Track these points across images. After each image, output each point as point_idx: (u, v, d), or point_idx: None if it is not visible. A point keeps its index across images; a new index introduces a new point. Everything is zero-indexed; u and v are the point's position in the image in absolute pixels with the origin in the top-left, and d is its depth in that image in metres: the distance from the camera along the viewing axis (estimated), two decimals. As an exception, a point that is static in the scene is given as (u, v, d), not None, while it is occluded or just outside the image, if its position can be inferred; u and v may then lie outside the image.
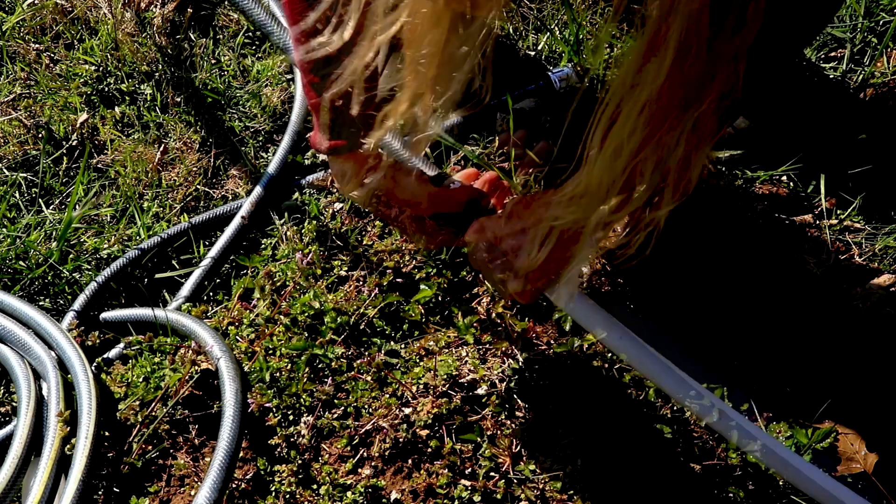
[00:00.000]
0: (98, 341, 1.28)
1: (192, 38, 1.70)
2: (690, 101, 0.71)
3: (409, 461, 1.09)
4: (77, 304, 1.32)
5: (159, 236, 1.40)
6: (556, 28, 1.56)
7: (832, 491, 0.93)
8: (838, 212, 1.33)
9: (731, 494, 1.08)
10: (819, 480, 0.94)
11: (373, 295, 1.21)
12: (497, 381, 1.12)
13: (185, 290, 1.35)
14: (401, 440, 1.09)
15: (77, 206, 1.44)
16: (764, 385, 1.16)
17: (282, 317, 1.22)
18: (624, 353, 0.99)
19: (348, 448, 1.11)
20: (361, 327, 1.20)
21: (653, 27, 0.68)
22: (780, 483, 1.08)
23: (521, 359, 1.13)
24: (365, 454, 1.10)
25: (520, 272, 0.95)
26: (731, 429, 0.96)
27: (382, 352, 1.18)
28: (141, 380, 1.18)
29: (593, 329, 1.01)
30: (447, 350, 1.16)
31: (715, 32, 0.66)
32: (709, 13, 0.65)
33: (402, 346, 1.19)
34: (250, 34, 1.69)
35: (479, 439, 1.09)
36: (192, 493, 1.09)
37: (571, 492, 1.06)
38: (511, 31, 1.57)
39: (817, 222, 1.32)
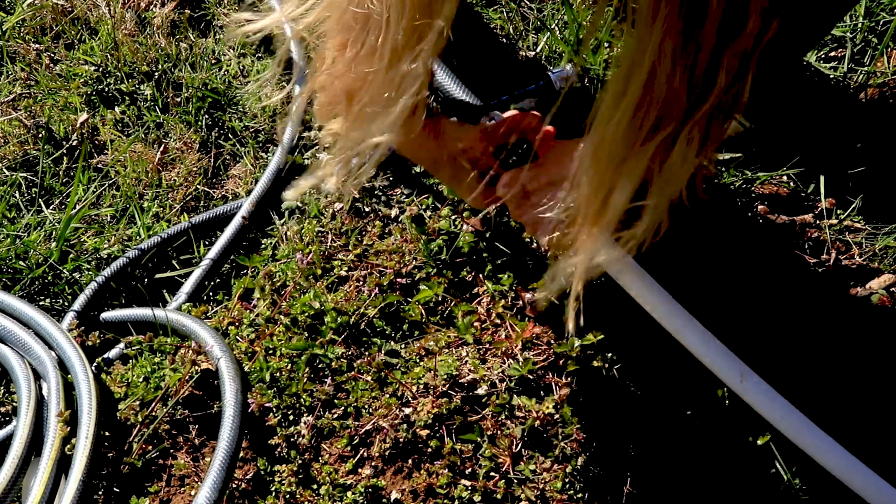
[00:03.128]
0: (98, 341, 1.28)
1: (192, 38, 1.70)
2: (669, 117, 0.71)
3: (410, 461, 1.09)
4: (77, 304, 1.32)
5: (159, 236, 1.40)
6: (556, 28, 1.56)
7: (847, 461, 0.92)
8: (838, 212, 1.33)
9: (731, 492, 1.08)
10: (835, 449, 0.92)
11: (373, 295, 1.21)
12: (497, 381, 1.12)
13: (185, 290, 1.35)
14: (401, 440, 1.09)
15: (77, 206, 1.44)
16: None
17: (282, 317, 1.22)
18: (650, 304, 0.98)
19: (348, 448, 1.11)
20: (361, 327, 1.20)
21: (632, 41, 0.68)
22: (790, 478, 1.08)
23: (520, 359, 1.13)
24: (365, 454, 1.10)
25: (549, 226, 0.95)
26: (754, 393, 0.94)
27: (382, 352, 1.18)
28: (141, 380, 1.18)
29: (620, 277, 0.99)
30: (447, 350, 1.16)
31: (688, 50, 0.66)
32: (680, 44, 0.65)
33: (402, 346, 1.19)
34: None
35: (479, 439, 1.09)
36: (193, 493, 1.09)
37: (571, 492, 1.06)
38: (511, 31, 1.58)
39: (817, 222, 1.32)
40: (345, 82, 0.86)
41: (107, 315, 1.33)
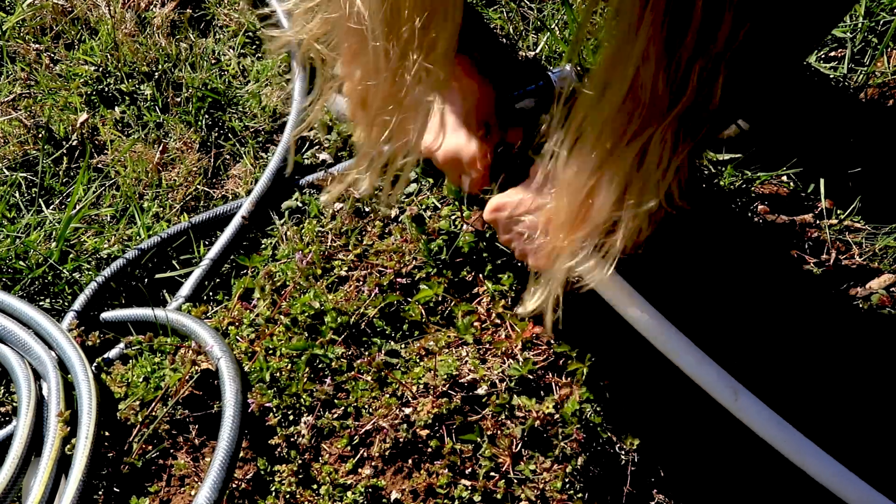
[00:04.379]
0: (98, 341, 1.28)
1: (192, 38, 1.70)
2: (651, 118, 0.71)
3: (410, 461, 1.09)
4: (77, 304, 1.32)
5: (159, 236, 1.40)
6: (557, 28, 1.56)
7: (843, 477, 0.92)
8: (838, 212, 1.33)
9: (729, 493, 1.08)
10: (829, 465, 0.92)
11: (373, 295, 1.21)
12: (497, 381, 1.12)
13: (185, 290, 1.35)
14: (401, 440, 1.09)
15: (77, 206, 1.44)
16: (762, 386, 1.16)
17: (282, 317, 1.22)
18: (644, 328, 0.98)
19: (348, 448, 1.11)
20: (361, 327, 1.20)
21: (616, 43, 0.68)
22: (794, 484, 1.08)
23: (520, 359, 1.13)
24: (365, 454, 1.10)
25: (535, 250, 0.95)
26: (749, 412, 0.94)
27: (382, 352, 1.18)
28: (141, 380, 1.18)
29: (611, 299, 0.99)
30: (447, 350, 1.16)
31: (671, 53, 0.66)
32: (662, 40, 0.65)
33: (402, 346, 1.19)
34: (250, 34, 1.69)
35: (479, 439, 1.09)
36: (193, 493, 1.09)
37: (571, 492, 1.06)
38: (511, 31, 1.58)
39: (817, 222, 1.32)
40: (358, 92, 0.88)
41: (107, 315, 1.33)
